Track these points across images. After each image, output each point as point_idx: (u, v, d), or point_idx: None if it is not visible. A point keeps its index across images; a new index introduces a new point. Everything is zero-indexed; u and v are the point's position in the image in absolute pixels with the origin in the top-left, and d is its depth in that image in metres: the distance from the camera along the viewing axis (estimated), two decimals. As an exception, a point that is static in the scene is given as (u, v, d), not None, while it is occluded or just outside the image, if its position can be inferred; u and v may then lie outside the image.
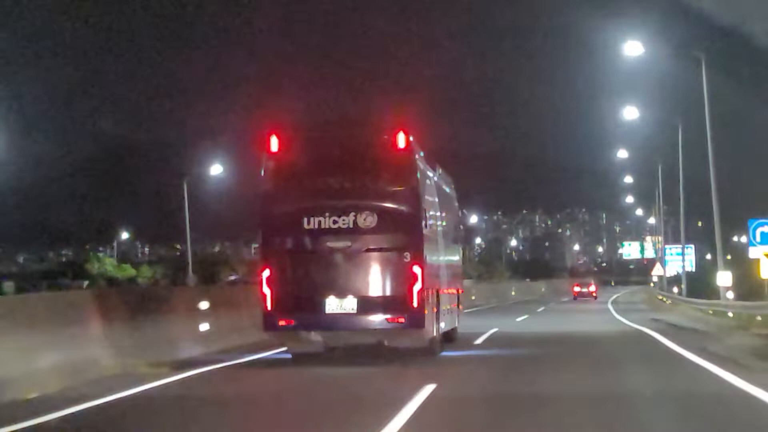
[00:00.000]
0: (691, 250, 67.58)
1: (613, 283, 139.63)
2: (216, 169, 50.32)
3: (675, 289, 60.27)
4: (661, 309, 41.23)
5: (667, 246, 68.18)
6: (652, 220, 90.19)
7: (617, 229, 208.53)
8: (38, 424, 8.83)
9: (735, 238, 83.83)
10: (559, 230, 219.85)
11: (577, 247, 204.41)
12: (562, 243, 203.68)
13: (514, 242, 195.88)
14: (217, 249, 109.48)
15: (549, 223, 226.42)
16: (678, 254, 61.57)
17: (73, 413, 9.43)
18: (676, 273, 65.12)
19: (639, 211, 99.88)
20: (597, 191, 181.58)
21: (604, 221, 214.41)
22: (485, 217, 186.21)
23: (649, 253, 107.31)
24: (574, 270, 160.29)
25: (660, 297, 55.03)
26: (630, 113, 42.76)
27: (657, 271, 69.14)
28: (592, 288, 73.07)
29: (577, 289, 73.70)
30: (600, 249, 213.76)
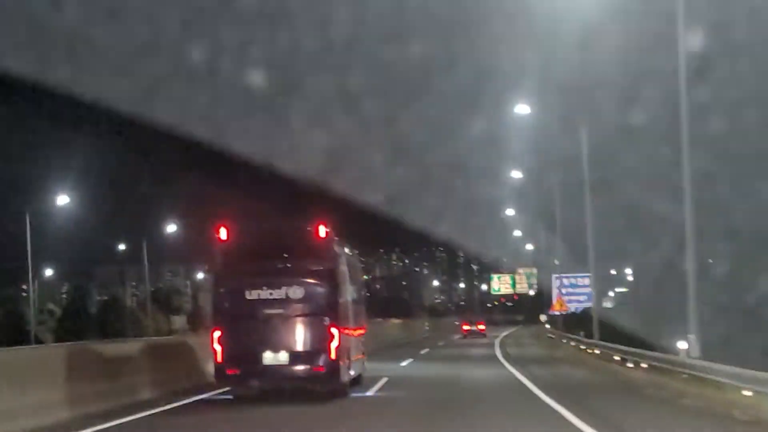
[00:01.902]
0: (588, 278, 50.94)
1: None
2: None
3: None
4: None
5: (562, 276, 55.23)
6: (530, 247, 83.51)
7: (475, 267, 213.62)
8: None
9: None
10: (416, 269, 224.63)
11: (436, 282, 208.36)
12: (419, 281, 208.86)
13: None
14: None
15: (406, 262, 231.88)
16: (576, 287, 53.95)
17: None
18: (573, 310, 55.14)
19: (516, 232, 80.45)
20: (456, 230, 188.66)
21: (462, 260, 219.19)
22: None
23: (522, 287, 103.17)
24: (434, 309, 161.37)
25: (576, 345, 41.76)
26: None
27: (544, 315, 67.15)
28: (482, 327, 72.90)
29: (466, 327, 73.24)
30: (462, 285, 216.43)
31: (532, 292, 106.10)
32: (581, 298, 53.97)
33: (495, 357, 37.47)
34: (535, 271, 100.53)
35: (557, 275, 55.83)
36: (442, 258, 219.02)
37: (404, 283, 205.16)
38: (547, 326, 70.38)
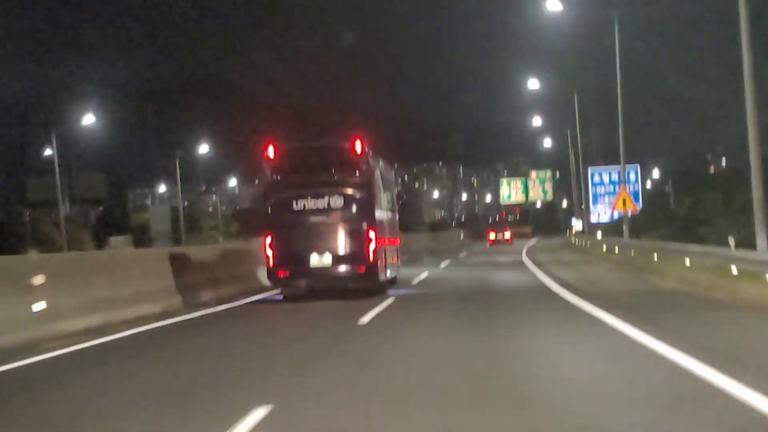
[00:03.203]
0: (635, 172, 44.66)
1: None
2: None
3: (599, 235, 45.69)
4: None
5: (592, 168, 46.64)
6: (548, 143, 68.80)
7: (474, 182, 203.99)
8: None
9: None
10: (416, 184, 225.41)
11: (436, 194, 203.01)
12: (420, 198, 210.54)
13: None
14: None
15: (406, 178, 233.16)
16: (618, 184, 42.37)
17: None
18: (614, 217, 45.78)
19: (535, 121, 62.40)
20: (454, 144, 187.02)
21: (461, 175, 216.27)
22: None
23: (536, 193, 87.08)
24: (434, 225, 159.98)
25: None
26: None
27: (577, 223, 57.43)
28: (507, 235, 70.75)
29: (492, 236, 71.20)
30: (464, 199, 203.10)
31: (546, 198, 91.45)
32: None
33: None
34: (549, 173, 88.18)
35: (596, 168, 46.03)
36: (441, 174, 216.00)
37: (403, 198, 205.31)
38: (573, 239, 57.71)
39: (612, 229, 47.48)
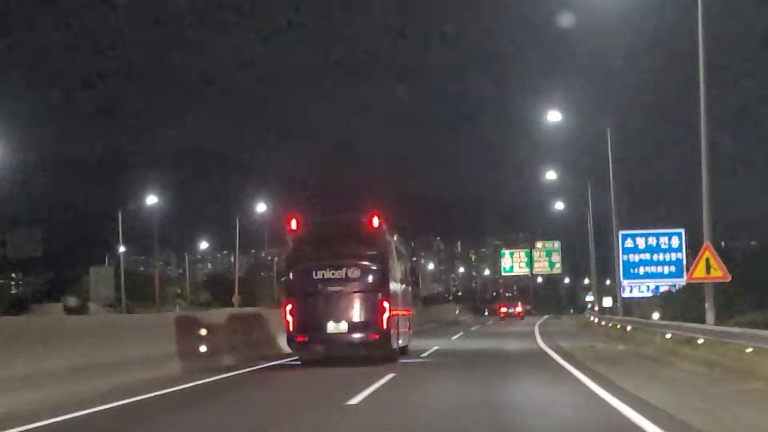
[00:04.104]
0: (678, 238, 38.15)
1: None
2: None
3: (656, 316, 38.45)
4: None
5: (625, 232, 39.30)
6: (559, 206, 65.77)
7: (473, 257, 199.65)
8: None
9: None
10: (414, 258, 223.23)
11: (431, 266, 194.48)
12: (416, 271, 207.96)
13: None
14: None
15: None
16: (659, 251, 37.89)
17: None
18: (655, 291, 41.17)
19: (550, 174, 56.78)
20: (453, 219, 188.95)
21: (459, 249, 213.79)
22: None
23: (541, 266, 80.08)
24: (431, 298, 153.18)
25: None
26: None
27: (603, 299, 52.94)
28: (519, 309, 71.00)
29: (504, 310, 71.23)
30: (462, 271, 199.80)
31: (553, 270, 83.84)
32: (669, 268, 38.54)
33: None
34: (557, 244, 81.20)
35: (630, 232, 39.45)
36: (439, 248, 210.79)
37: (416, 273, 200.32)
38: (591, 317, 51.09)
39: (661, 305, 41.39)
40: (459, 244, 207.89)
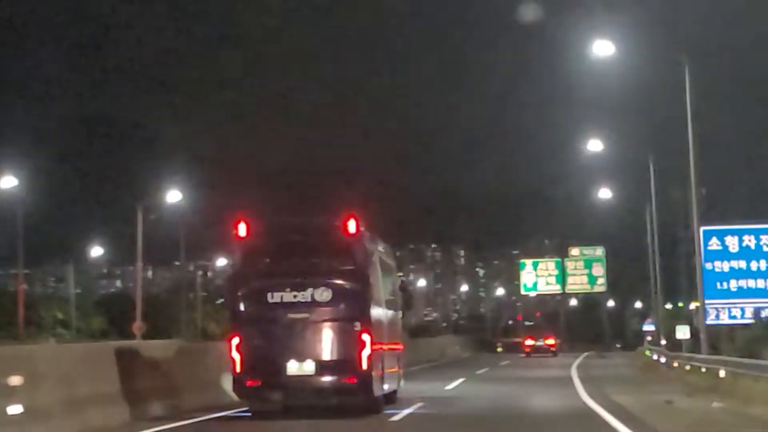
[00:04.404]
0: None
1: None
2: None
3: None
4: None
5: (708, 229, 28.19)
6: (606, 193, 49.17)
7: (480, 272, 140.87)
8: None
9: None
10: (400, 275, 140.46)
11: (422, 283, 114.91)
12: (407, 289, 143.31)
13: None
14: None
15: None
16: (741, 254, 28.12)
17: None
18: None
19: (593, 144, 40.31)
20: (453, 219, 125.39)
21: (462, 260, 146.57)
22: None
23: (578, 283, 60.16)
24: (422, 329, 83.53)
25: None
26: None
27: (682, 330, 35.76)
28: (550, 341, 55.97)
29: (529, 342, 56.27)
30: (466, 290, 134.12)
31: (594, 289, 63.35)
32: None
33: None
34: (601, 251, 60.36)
35: (717, 229, 28.84)
36: (434, 260, 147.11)
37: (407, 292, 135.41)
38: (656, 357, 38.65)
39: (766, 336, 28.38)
40: (462, 253, 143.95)
